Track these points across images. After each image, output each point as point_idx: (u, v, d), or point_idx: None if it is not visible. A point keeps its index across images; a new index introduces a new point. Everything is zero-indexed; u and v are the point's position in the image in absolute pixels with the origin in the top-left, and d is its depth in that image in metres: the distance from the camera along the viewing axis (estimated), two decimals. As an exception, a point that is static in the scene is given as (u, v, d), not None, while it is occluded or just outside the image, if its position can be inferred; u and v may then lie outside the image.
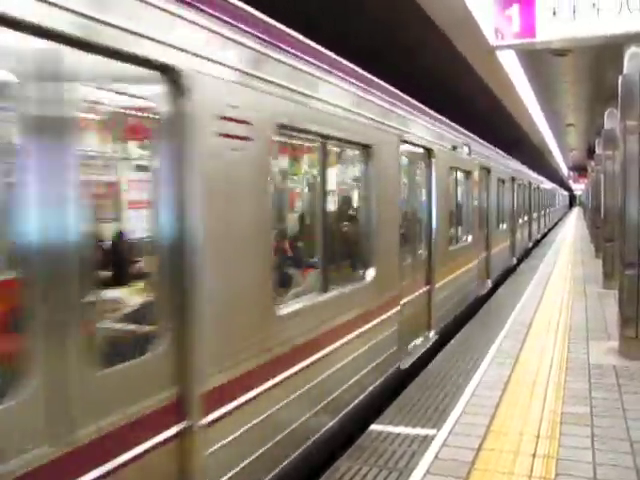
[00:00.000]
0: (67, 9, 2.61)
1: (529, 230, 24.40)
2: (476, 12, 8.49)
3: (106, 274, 3.40)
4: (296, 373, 4.52)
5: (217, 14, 3.66)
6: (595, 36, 7.15)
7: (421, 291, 8.26)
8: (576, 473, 4.46)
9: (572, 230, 36.80)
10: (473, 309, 11.22)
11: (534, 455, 4.77)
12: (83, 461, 2.72)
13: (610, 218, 13.43)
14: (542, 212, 32.28)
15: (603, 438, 5.07)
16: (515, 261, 18.78)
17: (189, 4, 3.39)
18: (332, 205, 6.04)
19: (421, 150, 8.38)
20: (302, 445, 4.66)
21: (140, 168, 3.66)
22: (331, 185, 6.02)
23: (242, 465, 3.86)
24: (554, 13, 7.03)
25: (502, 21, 7.28)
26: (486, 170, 13.59)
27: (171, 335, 3.29)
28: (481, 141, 13.66)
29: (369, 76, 6.33)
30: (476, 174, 12.21)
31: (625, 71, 7.49)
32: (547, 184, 38.49)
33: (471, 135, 12.34)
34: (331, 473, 4.59)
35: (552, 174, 50.28)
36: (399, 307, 6.97)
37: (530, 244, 24.46)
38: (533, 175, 27.67)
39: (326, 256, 5.35)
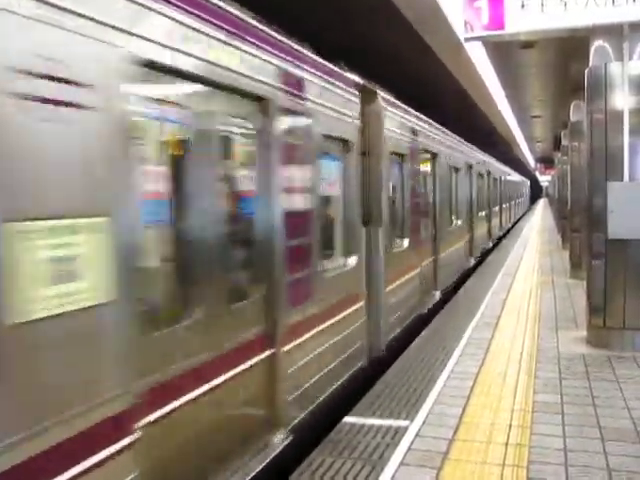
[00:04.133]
0: None
1: (489, 226, 21.52)
2: (445, 4, 8.55)
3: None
4: None
5: None
6: (562, 28, 7.23)
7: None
8: (548, 460, 4.51)
9: (539, 222, 37.28)
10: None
11: (506, 444, 4.82)
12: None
13: (576, 209, 13.63)
14: (506, 205, 30.33)
15: (573, 425, 5.15)
16: (473, 262, 16.38)
17: None
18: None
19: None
20: None
21: None
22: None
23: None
24: (522, 6, 7.09)
25: (471, 13, 7.32)
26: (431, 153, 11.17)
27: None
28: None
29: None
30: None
31: (591, 64, 7.58)
32: (514, 174, 38.28)
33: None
34: (305, 467, 4.58)
35: (519, 166, 50.83)
36: None
37: (491, 243, 21.73)
38: (495, 163, 25.11)
39: None
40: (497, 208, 23.88)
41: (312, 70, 5.67)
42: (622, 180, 7.25)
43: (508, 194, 31.64)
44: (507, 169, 32.83)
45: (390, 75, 10.94)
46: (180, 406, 3.63)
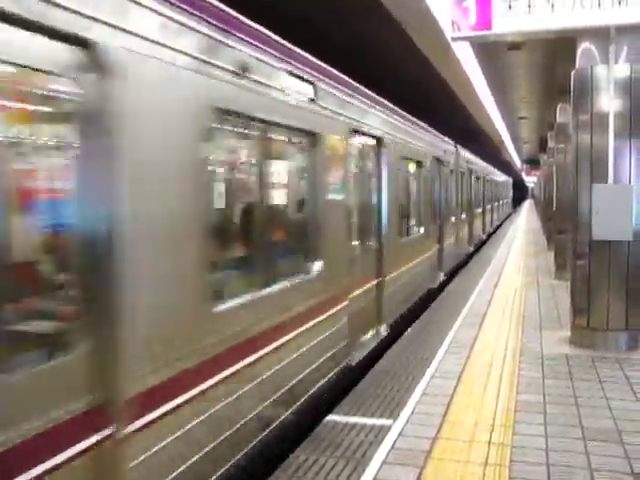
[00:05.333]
0: None
1: (482, 220, 24.24)
2: (433, 4, 8.57)
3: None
4: None
5: None
6: (549, 30, 7.26)
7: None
8: (530, 459, 4.54)
9: (524, 224, 37.45)
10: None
11: (489, 443, 4.84)
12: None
13: (562, 210, 13.70)
14: (494, 204, 30.99)
15: (555, 425, 5.18)
16: (472, 249, 19.48)
17: None
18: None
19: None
20: None
21: None
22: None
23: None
24: (510, 7, 7.12)
25: (459, 13, 7.33)
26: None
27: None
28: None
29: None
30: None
31: (577, 66, 7.62)
32: (498, 176, 37.21)
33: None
34: (288, 464, 4.58)
35: (507, 167, 51.05)
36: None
37: (483, 236, 24.36)
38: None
39: None
40: (488, 206, 22.74)
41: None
42: (607, 182, 7.30)
43: (493, 195, 26.90)
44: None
45: (382, 78, 10.97)
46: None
